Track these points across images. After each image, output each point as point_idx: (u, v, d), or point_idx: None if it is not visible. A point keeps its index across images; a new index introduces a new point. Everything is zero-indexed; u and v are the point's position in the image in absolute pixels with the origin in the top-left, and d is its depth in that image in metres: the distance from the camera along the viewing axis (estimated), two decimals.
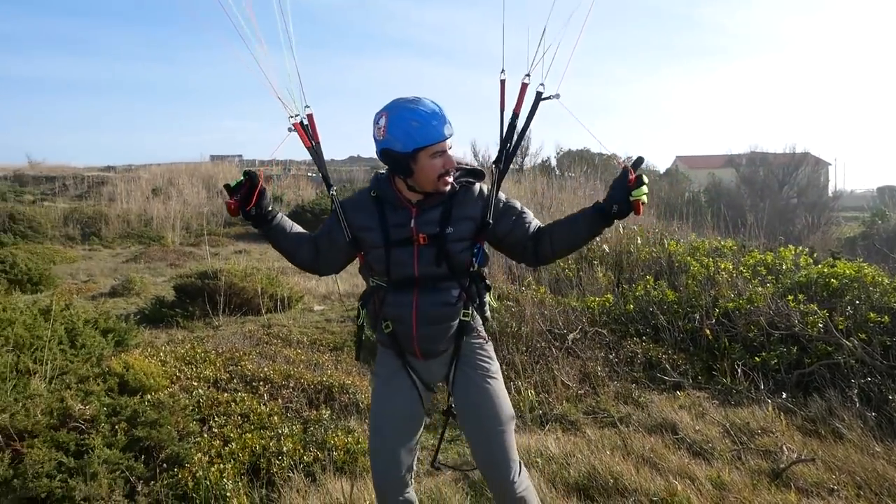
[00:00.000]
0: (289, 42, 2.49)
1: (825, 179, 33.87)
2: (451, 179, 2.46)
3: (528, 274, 8.54)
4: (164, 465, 3.80)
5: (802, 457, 3.99)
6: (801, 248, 8.05)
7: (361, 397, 5.26)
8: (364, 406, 5.18)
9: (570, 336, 6.30)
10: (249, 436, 4.17)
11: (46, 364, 5.39)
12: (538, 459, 4.06)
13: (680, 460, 4.05)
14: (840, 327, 5.29)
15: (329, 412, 4.88)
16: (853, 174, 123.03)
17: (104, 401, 4.15)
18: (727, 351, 5.80)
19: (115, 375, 4.74)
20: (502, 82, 2.51)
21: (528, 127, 2.59)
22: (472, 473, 4.10)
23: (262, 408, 4.65)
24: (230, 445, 4.04)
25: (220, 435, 4.20)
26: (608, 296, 7.19)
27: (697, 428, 4.55)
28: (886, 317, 5.39)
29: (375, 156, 2.51)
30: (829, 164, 39.74)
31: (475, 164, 2.69)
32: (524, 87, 2.49)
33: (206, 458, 3.86)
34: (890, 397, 4.59)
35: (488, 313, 2.69)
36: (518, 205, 2.60)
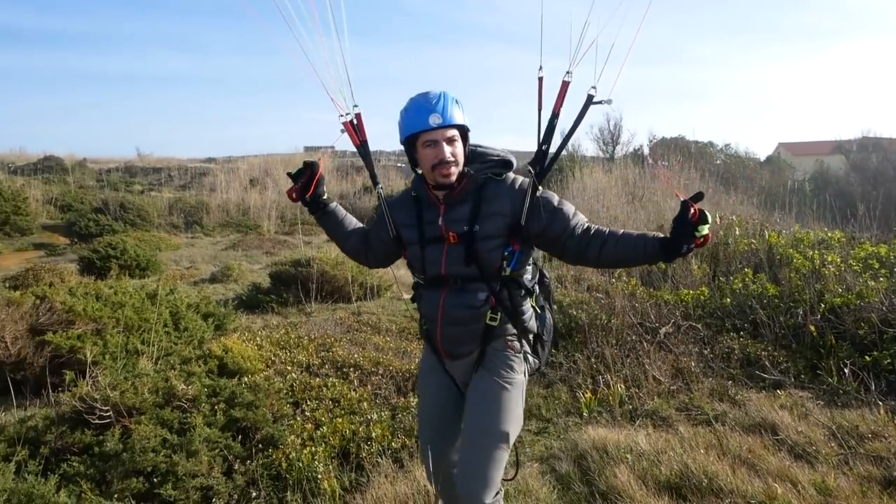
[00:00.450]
0: (341, 43, 2.50)
1: None
2: (449, 171, 2.37)
3: None
4: (260, 445, 3.94)
5: None
6: None
7: None
8: None
9: (663, 330, 6.10)
10: (340, 420, 4.26)
11: (153, 345, 5.72)
12: (627, 455, 3.95)
13: (780, 462, 3.83)
14: None
15: (416, 400, 4.93)
16: None
17: (205, 382, 4.36)
18: (833, 349, 5.44)
19: (214, 358, 4.97)
20: (540, 80, 2.39)
21: (574, 130, 2.47)
22: (560, 466, 4.05)
23: (353, 393, 4.75)
24: (321, 429, 4.15)
25: (312, 418, 4.32)
26: (703, 289, 6.90)
27: (800, 429, 4.29)
28: None
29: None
30: None
31: (508, 156, 2.53)
32: (565, 85, 2.37)
33: (299, 441, 3.98)
34: None
35: (531, 323, 2.55)
36: (555, 199, 2.44)
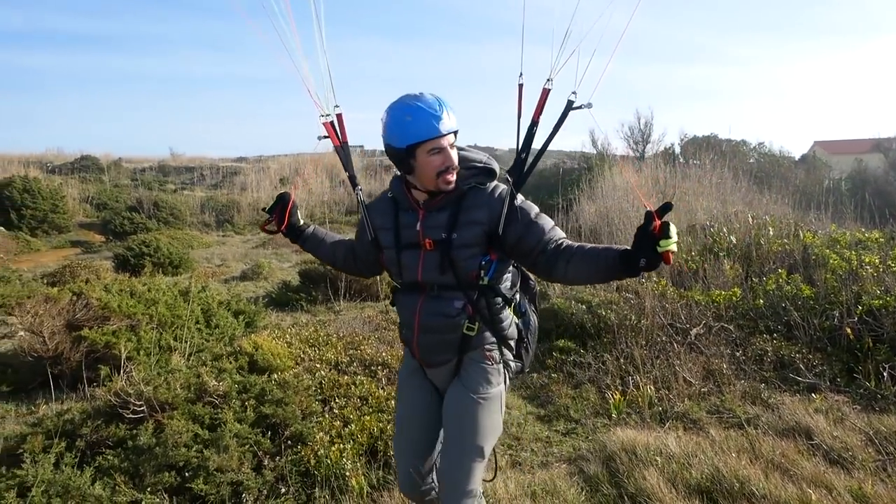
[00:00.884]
0: (322, 44, 2.49)
1: None
2: (452, 177, 2.32)
3: None
4: (289, 441, 3.98)
5: None
6: None
7: None
8: None
9: (694, 331, 6.02)
10: (368, 418, 4.29)
11: (185, 342, 5.81)
12: (657, 458, 3.91)
13: (815, 468, 3.75)
14: None
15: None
16: None
17: (235, 378, 4.41)
18: (871, 352, 5.31)
19: (245, 355, 5.02)
20: (520, 87, 2.36)
21: (553, 136, 2.37)
22: (588, 467, 4.02)
23: (380, 391, 4.77)
24: (350, 426, 4.18)
25: (341, 416, 4.34)
26: (735, 290, 6.79)
27: (836, 434, 4.20)
28: None
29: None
30: None
31: (492, 162, 2.46)
32: (545, 92, 2.32)
33: (327, 438, 4.01)
34: None
35: (510, 331, 2.51)
36: (533, 211, 2.36)
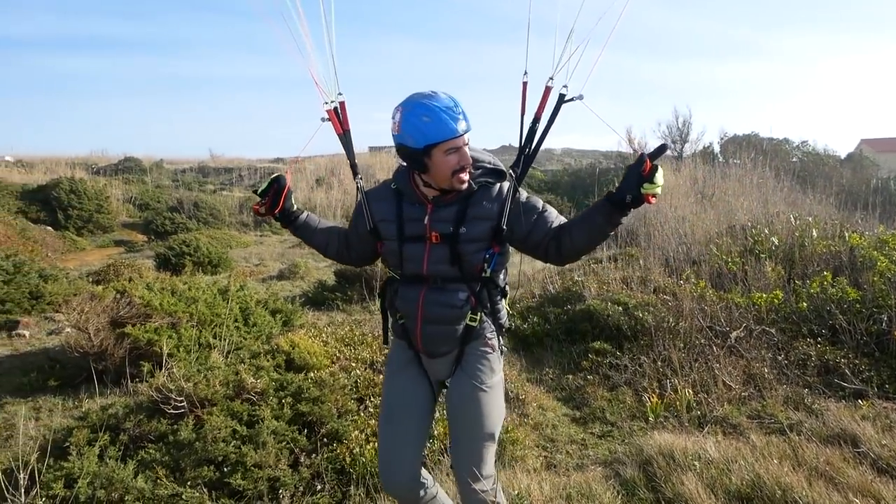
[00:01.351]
0: (328, 31, 2.54)
1: None
2: (466, 177, 2.37)
3: (686, 267, 8.10)
4: (324, 439, 4.02)
5: None
6: None
7: (511, 387, 5.26)
8: (513, 396, 5.18)
9: (734, 334, 5.89)
10: None
11: (224, 339, 5.91)
12: (695, 462, 3.83)
13: (862, 477, 3.63)
14: None
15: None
16: None
17: (272, 376, 4.47)
18: None
19: (282, 353, 5.09)
20: (524, 85, 2.43)
21: (548, 130, 2.47)
22: (624, 471, 3.97)
23: None
24: None
25: (376, 415, 4.36)
26: (777, 292, 6.63)
27: (884, 442, 4.06)
28: None
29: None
30: None
31: (498, 163, 2.52)
32: (547, 90, 2.40)
33: (363, 436, 4.03)
34: None
35: (504, 320, 2.59)
36: (539, 204, 2.47)
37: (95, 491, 3.38)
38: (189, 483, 3.49)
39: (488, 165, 2.48)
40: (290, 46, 2.52)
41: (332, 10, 2.51)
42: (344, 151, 2.77)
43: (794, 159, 24.88)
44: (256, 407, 4.06)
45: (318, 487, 3.71)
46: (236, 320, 6.51)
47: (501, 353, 2.62)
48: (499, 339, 2.58)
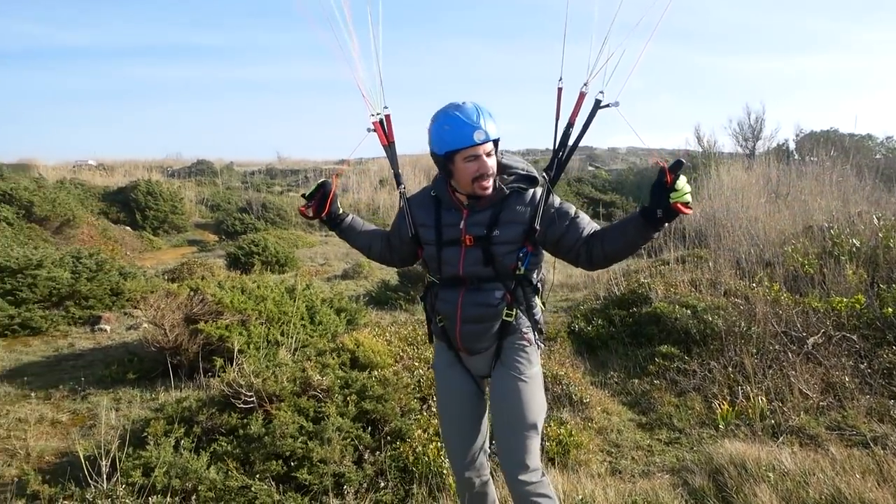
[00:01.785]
0: (375, 45, 2.63)
1: None
2: (487, 184, 2.45)
3: (759, 269, 7.81)
4: (388, 437, 4.06)
5: None
6: None
7: (575, 389, 5.19)
8: (577, 399, 5.11)
9: (811, 340, 5.64)
10: None
11: (291, 337, 6.06)
12: (769, 474, 3.69)
13: None
14: None
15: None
16: None
17: (338, 374, 4.55)
18: None
19: (347, 351, 5.18)
20: (559, 90, 2.47)
21: (583, 135, 2.50)
22: (693, 479, 3.86)
23: None
24: None
25: (438, 415, 4.38)
26: (859, 297, 6.29)
27: None
28: None
29: None
30: None
31: (531, 170, 2.60)
32: (582, 96, 2.44)
33: (426, 436, 4.06)
34: None
35: (539, 316, 2.66)
36: (572, 210, 2.54)
37: (171, 480, 3.52)
38: (258, 476, 3.59)
39: (521, 171, 2.58)
40: (340, 61, 2.64)
41: (381, 26, 2.61)
42: (394, 160, 2.87)
43: (878, 156, 23.59)
44: (322, 404, 4.14)
45: (382, 485, 3.75)
46: (303, 318, 6.66)
47: (538, 348, 2.69)
48: (534, 334, 2.64)
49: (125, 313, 8.85)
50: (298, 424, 3.91)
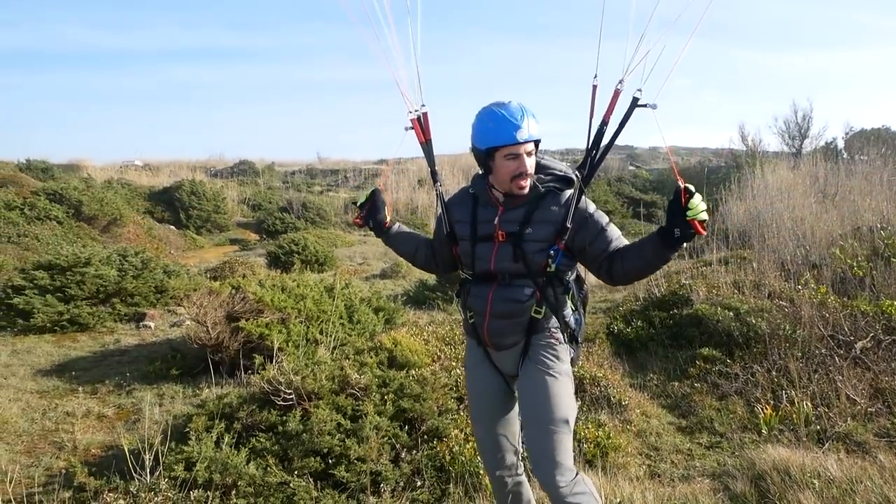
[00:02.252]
0: (413, 43, 2.62)
1: None
2: (524, 183, 2.48)
3: (805, 271, 7.61)
4: (425, 436, 4.08)
5: None
6: None
7: (613, 391, 5.13)
8: (615, 401, 5.05)
9: (859, 344, 5.47)
10: None
11: (329, 336, 6.12)
12: (814, 480, 3.58)
13: None
14: None
15: (579, 403, 4.84)
16: None
17: (376, 372, 4.58)
18: None
19: (385, 350, 5.21)
20: (594, 88, 2.45)
21: (618, 133, 2.46)
22: (734, 485, 3.78)
23: None
24: None
25: (469, 412, 4.38)
26: None
27: None
28: None
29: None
30: None
31: (569, 172, 2.59)
32: (617, 93, 2.40)
33: (462, 436, 4.06)
34: None
35: (569, 317, 2.62)
36: (604, 220, 2.54)
37: (212, 474, 3.59)
38: (296, 472, 3.64)
39: (559, 173, 2.59)
40: (380, 60, 2.65)
41: (419, 23, 2.62)
42: (431, 157, 2.89)
43: None
44: (360, 402, 4.17)
45: (418, 483, 3.77)
46: (341, 317, 6.72)
47: (570, 347, 2.67)
48: (563, 334, 2.62)
49: (169, 311, 9.06)
50: (336, 422, 3.94)
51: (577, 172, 2.57)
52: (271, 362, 4.91)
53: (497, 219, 2.57)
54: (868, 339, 5.55)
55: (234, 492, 3.57)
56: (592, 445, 4.16)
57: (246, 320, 6.06)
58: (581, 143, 2.46)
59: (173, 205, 20.16)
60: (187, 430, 4.04)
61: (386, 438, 3.93)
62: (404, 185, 27.34)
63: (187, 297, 7.58)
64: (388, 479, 3.70)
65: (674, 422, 5.08)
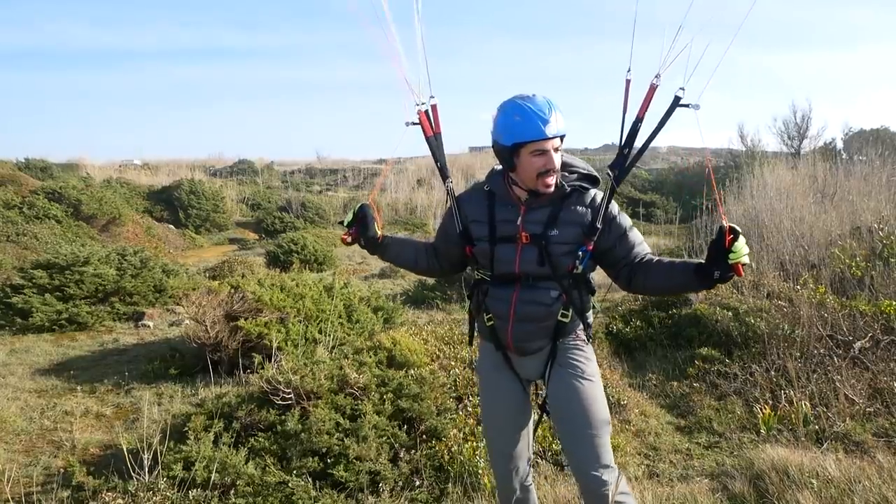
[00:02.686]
0: (419, 33, 2.52)
1: None
2: (551, 180, 2.36)
3: (803, 271, 7.62)
4: (424, 436, 4.08)
5: None
6: None
7: (612, 391, 5.13)
8: (614, 400, 5.05)
9: (858, 344, 5.47)
10: None
11: (328, 335, 6.12)
12: (812, 480, 3.59)
13: None
14: None
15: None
16: None
17: (375, 372, 4.58)
18: None
19: (384, 350, 5.20)
20: (627, 82, 2.34)
21: (657, 133, 2.36)
22: (733, 485, 3.78)
23: None
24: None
25: (474, 414, 4.38)
26: None
27: None
28: None
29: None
30: None
31: (592, 171, 2.54)
32: (652, 88, 2.30)
33: (461, 435, 4.06)
34: None
35: (591, 318, 2.57)
36: (627, 224, 2.45)
37: (211, 474, 3.59)
38: (295, 472, 3.64)
39: (583, 171, 2.52)
40: (385, 50, 2.53)
41: (419, 8, 2.52)
42: (435, 154, 2.72)
43: None
44: (359, 401, 4.17)
45: (417, 483, 3.77)
46: (340, 316, 6.72)
47: (587, 343, 2.63)
48: (587, 335, 2.59)
49: (168, 310, 9.06)
50: (335, 421, 3.94)
51: (608, 172, 2.45)
52: (270, 362, 4.91)
53: (520, 219, 2.44)
54: (867, 339, 5.56)
55: (232, 491, 3.57)
56: None
57: (245, 320, 6.06)
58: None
59: (172, 204, 20.16)
60: (186, 429, 4.04)
61: (385, 438, 3.93)
62: (403, 185, 27.36)
63: (186, 296, 7.59)
64: (386, 478, 3.70)
65: (672, 421, 5.08)
